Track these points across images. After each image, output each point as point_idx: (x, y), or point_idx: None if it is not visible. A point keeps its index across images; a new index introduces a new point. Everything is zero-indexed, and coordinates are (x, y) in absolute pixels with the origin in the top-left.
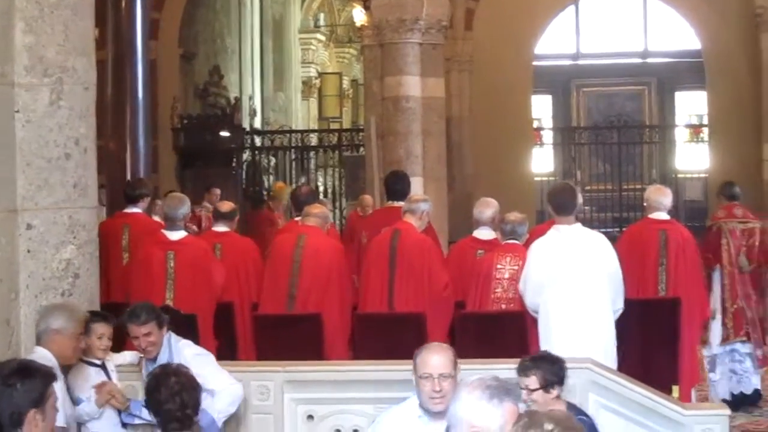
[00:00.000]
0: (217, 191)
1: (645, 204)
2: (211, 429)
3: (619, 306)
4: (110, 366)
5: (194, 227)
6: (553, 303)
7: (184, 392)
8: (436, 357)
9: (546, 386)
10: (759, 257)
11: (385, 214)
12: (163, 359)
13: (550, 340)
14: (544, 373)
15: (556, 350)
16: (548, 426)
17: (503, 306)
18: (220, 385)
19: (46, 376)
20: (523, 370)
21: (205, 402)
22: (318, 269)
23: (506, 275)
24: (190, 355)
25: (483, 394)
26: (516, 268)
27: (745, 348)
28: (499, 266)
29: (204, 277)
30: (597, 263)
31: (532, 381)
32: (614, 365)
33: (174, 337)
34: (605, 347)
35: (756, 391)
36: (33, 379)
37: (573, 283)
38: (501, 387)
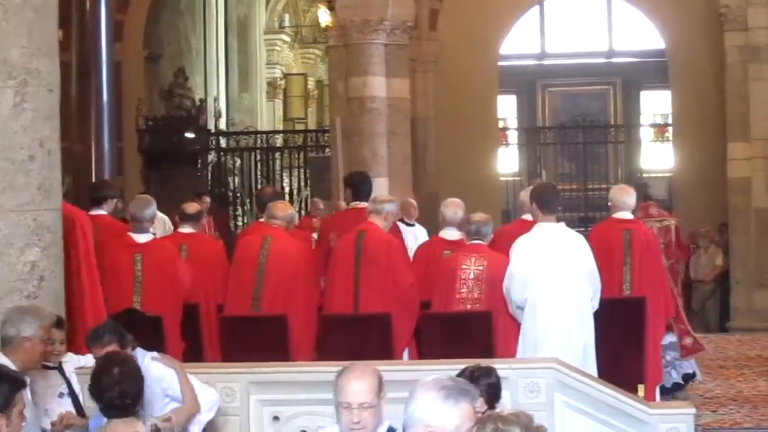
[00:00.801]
0: (207, 199)
1: (609, 204)
2: None
3: (595, 304)
4: (68, 368)
5: None
6: (538, 299)
7: (125, 382)
8: (356, 384)
9: (491, 403)
10: (676, 253)
11: (354, 215)
12: None
13: (536, 335)
14: (487, 389)
15: (541, 345)
16: (517, 431)
17: (468, 306)
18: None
19: (14, 382)
20: None
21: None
22: (283, 271)
23: (471, 275)
24: (159, 374)
25: (439, 395)
26: (481, 268)
27: (665, 339)
28: (464, 266)
29: (171, 279)
30: (578, 261)
31: (479, 403)
32: (593, 359)
33: (140, 352)
34: (586, 341)
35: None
36: (1, 384)
37: (558, 279)
38: (457, 387)
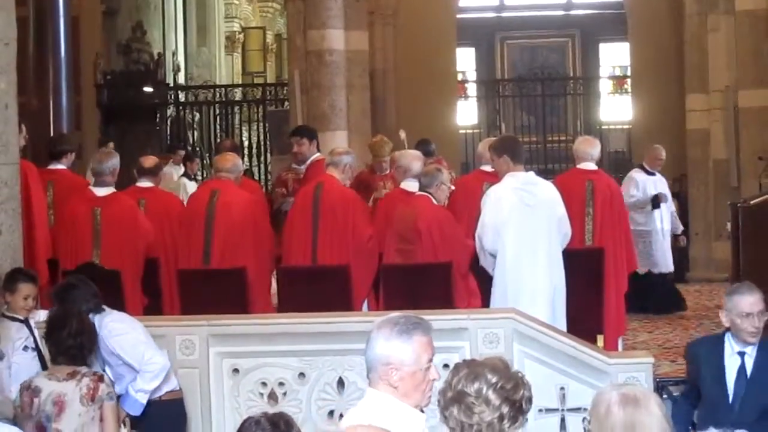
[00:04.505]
0: (181, 152)
1: (574, 155)
2: (135, 407)
3: (566, 229)
4: (32, 323)
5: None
6: (510, 246)
7: (84, 335)
8: None
9: None
10: None
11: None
12: None
13: (508, 282)
14: None
15: (513, 292)
16: (491, 377)
17: (405, 257)
18: (139, 363)
19: None
20: None
21: (126, 381)
22: (231, 224)
23: (405, 226)
24: (107, 336)
25: (392, 332)
26: (413, 219)
27: None
28: (400, 219)
29: (131, 233)
30: (550, 208)
31: None
32: (563, 305)
33: (97, 316)
34: (556, 287)
35: None
36: None
37: (530, 227)
38: (409, 321)
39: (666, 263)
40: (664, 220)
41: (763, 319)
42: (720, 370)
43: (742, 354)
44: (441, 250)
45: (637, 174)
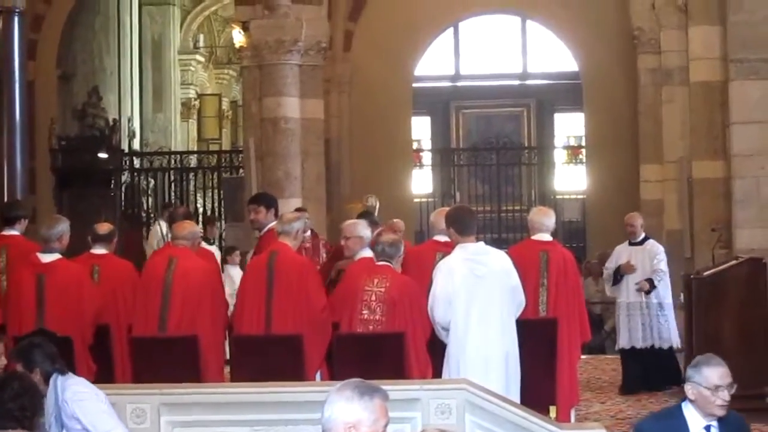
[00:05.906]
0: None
1: (529, 225)
2: None
3: (521, 299)
4: None
5: None
6: (462, 319)
7: (26, 396)
8: None
9: None
10: None
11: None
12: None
13: (460, 354)
14: None
15: (465, 363)
16: None
17: (371, 327)
18: (98, 431)
19: None
20: None
21: None
22: (188, 291)
23: (373, 297)
24: (71, 399)
25: (353, 393)
26: (382, 290)
27: None
28: (366, 288)
29: (77, 300)
30: (501, 278)
31: None
32: (517, 375)
33: (60, 378)
34: (509, 353)
35: None
36: None
37: (480, 298)
38: (369, 386)
39: (635, 338)
40: (632, 292)
41: (732, 392)
42: None
43: (708, 428)
44: (412, 320)
45: (620, 246)
